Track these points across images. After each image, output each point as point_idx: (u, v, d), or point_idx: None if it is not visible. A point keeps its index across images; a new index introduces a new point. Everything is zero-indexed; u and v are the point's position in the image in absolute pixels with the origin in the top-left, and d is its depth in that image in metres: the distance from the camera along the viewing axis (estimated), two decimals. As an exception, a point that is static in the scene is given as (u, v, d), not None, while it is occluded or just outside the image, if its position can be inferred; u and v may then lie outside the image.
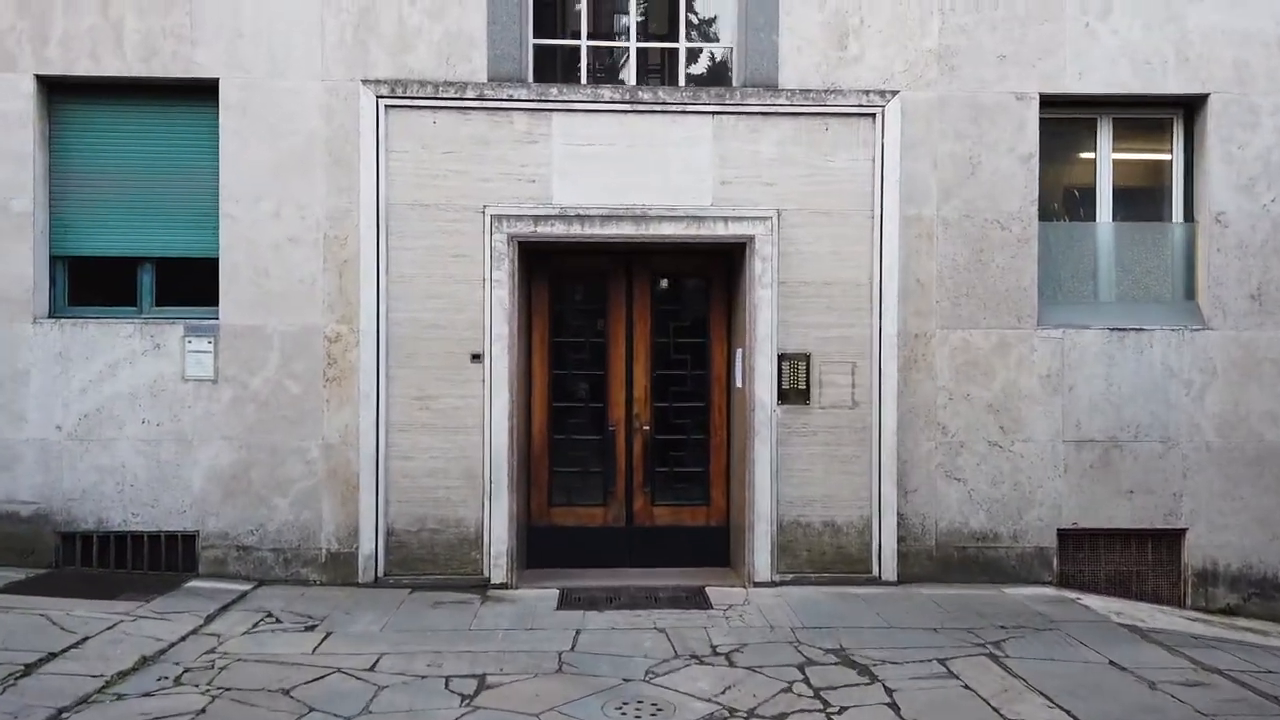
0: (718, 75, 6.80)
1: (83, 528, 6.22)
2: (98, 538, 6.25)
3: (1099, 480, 6.51)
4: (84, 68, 6.25)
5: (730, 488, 6.86)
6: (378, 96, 6.24)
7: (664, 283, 6.96)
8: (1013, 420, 6.52)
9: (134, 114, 6.43)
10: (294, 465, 6.32)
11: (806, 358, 6.39)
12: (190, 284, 6.48)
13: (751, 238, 6.32)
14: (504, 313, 6.21)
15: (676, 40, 6.78)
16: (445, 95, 6.26)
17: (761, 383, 6.32)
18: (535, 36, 6.68)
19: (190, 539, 6.28)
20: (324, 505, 6.32)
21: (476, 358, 6.29)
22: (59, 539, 6.23)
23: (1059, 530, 6.50)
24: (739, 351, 6.57)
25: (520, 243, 6.32)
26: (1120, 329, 6.52)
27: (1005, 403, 6.52)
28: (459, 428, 6.29)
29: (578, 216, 6.31)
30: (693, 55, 6.88)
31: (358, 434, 6.27)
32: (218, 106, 6.32)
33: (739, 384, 6.58)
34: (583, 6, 6.83)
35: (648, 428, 6.81)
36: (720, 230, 6.35)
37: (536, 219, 6.29)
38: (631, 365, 6.84)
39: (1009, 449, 6.51)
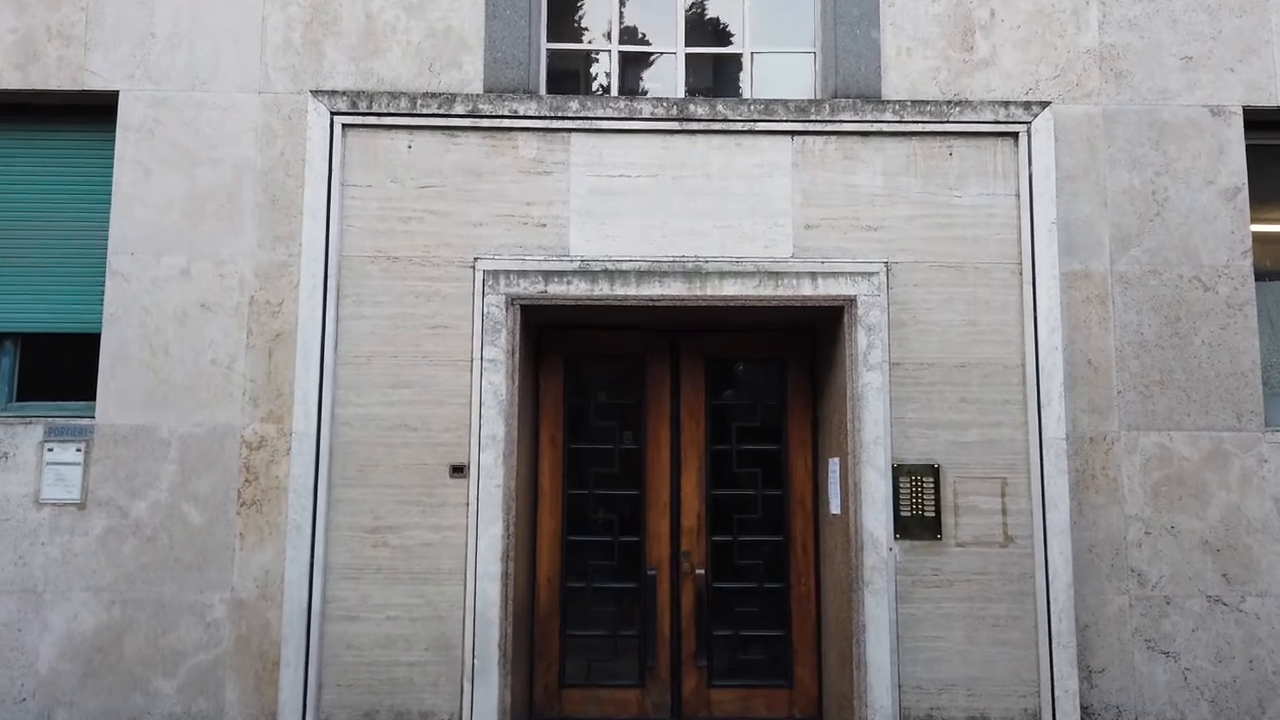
0: (794, 88, 5.23)
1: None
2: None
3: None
4: (-62, 76, 4.79)
5: (824, 661, 4.91)
6: (333, 113, 4.68)
7: (723, 368, 5.22)
8: (1240, 565, 4.59)
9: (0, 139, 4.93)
10: (188, 630, 4.46)
11: (934, 472, 4.56)
12: (67, 369, 4.81)
13: (851, 300, 4.60)
14: (500, 406, 4.48)
15: (736, 44, 5.27)
16: (426, 111, 4.69)
17: (870, 508, 4.47)
18: (549, 40, 5.20)
19: (32, 741, 4.40)
20: (228, 690, 4.43)
21: (459, 471, 4.51)
22: None
23: (1320, 732, 4.49)
24: (833, 464, 4.75)
25: (524, 307, 4.63)
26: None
27: (1227, 538, 4.61)
28: (431, 574, 4.46)
29: (605, 272, 4.63)
30: (758, 66, 5.34)
31: (282, 584, 4.43)
32: (115, 129, 4.81)
33: (835, 509, 4.74)
34: (612, 5, 5.35)
35: (702, 571, 4.93)
36: (805, 289, 4.64)
37: (547, 275, 4.61)
38: (679, 482, 5.03)
39: (1237, 607, 4.56)
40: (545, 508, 5.00)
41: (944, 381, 4.59)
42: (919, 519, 4.52)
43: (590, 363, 5.21)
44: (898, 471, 4.52)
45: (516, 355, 4.54)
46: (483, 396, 4.50)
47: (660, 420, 5.05)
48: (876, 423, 4.49)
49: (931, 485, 4.54)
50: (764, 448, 5.10)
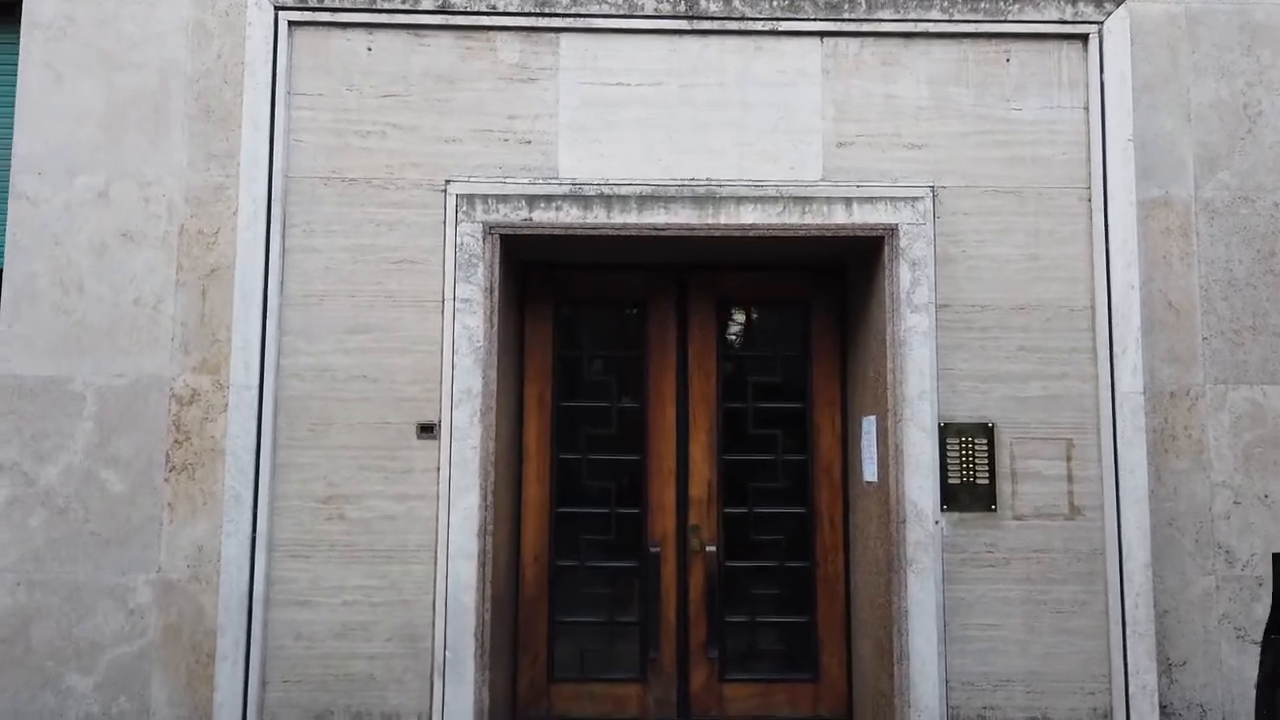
0: None
1: None
2: None
3: None
4: None
5: (855, 651, 4.29)
6: (278, 8, 3.96)
7: (738, 313, 4.58)
8: (1345, 540, 3.98)
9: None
10: (107, 617, 3.82)
11: (988, 432, 3.92)
12: (-31, 312, 4.13)
13: (891, 230, 3.93)
14: (476, 355, 3.83)
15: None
16: (388, 7, 3.98)
17: (914, 474, 3.83)
18: (535, -69, 4.50)
19: (-75, 747, 3.78)
20: (155, 687, 3.79)
21: (428, 430, 3.86)
22: None
23: None
24: (868, 423, 4.11)
25: (505, 238, 3.95)
26: None
27: (1329, 510, 4.00)
28: (395, 551, 3.82)
29: (601, 197, 3.96)
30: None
31: (218, 563, 3.78)
32: (20, 28, 4.10)
33: (869, 476, 4.10)
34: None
35: (713, 549, 4.30)
36: (838, 217, 3.97)
37: (532, 200, 3.94)
38: (686, 446, 4.39)
39: (1341, 590, 3.95)
40: (531, 475, 4.35)
41: (1000, 326, 3.94)
42: (970, 487, 3.88)
43: (583, 308, 4.53)
44: (945, 432, 3.87)
45: (496, 295, 3.87)
46: (455, 343, 3.83)
47: (665, 375, 4.39)
48: (922, 374, 3.84)
49: (985, 448, 3.90)
50: (785, 406, 4.45)
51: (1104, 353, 3.88)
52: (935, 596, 3.76)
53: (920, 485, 3.79)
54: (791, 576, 4.37)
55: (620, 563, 4.41)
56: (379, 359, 3.86)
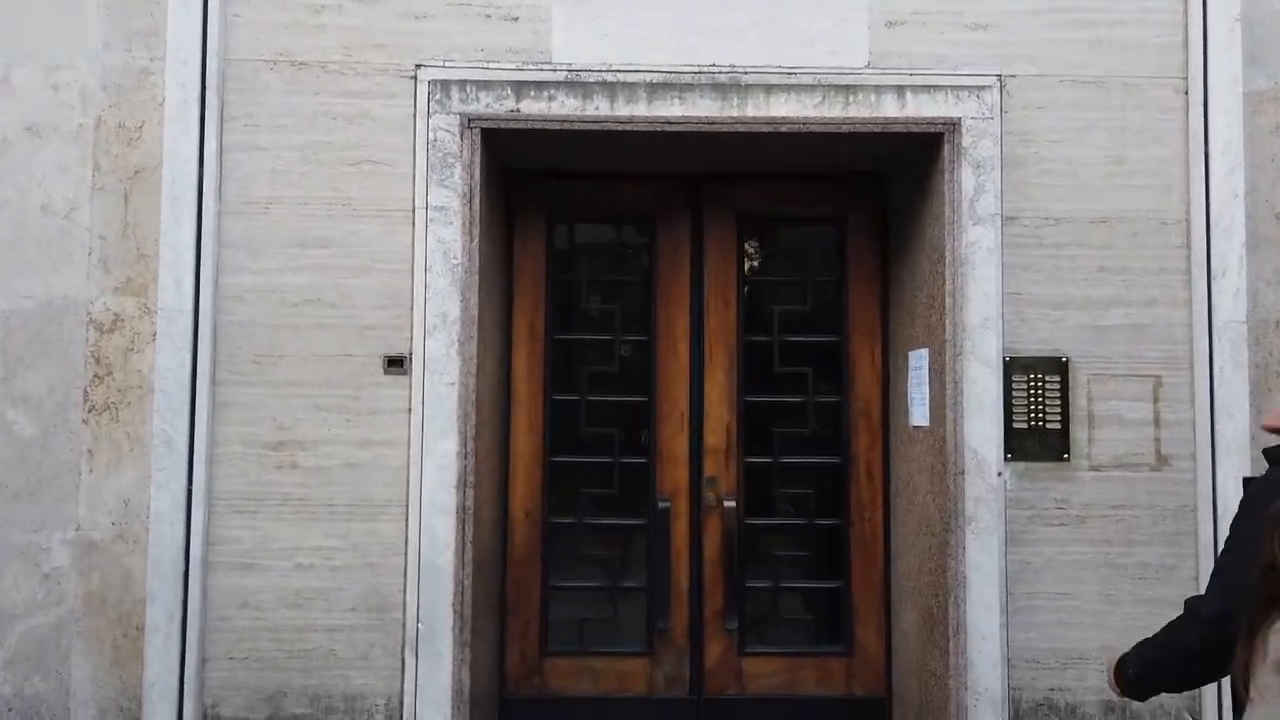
0: None
1: None
2: None
3: None
4: None
5: (895, 621, 3.75)
6: None
7: (762, 231, 3.95)
8: None
9: None
10: (17, 583, 3.22)
11: (1061, 367, 3.34)
12: None
13: (952, 125, 3.29)
14: (453, 274, 3.22)
15: None
16: None
17: (976, 416, 3.25)
18: None
19: None
20: (75, 665, 3.23)
21: (396, 364, 3.27)
22: None
23: None
24: (917, 358, 3.50)
25: (488, 133, 3.30)
26: None
27: None
28: (358, 506, 3.25)
29: (603, 85, 3.32)
30: None
31: (148, 519, 3.21)
32: (-98, -125, 3.43)
33: (917, 420, 3.52)
34: None
35: (731, 504, 3.72)
36: (888, 109, 3.33)
37: (520, 88, 3.30)
38: (701, 386, 3.78)
39: None
40: (520, 419, 3.77)
41: (1076, 243, 3.33)
42: (1038, 433, 3.31)
43: (582, 225, 3.91)
44: (1010, 368, 3.28)
45: (477, 203, 3.25)
46: (428, 260, 3.22)
47: (677, 302, 3.79)
48: (986, 298, 3.24)
49: (1057, 386, 3.31)
50: (817, 339, 3.85)
51: (1200, 274, 3.28)
52: (997, 560, 3.20)
53: (982, 430, 3.21)
54: (822, 536, 3.81)
55: (625, 520, 3.84)
56: (337, 279, 3.26)
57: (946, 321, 3.21)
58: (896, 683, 3.66)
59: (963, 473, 3.18)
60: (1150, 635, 2.10)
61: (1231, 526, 1.99)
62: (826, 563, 3.81)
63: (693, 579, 3.71)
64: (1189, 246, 3.31)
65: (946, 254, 3.22)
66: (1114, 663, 2.14)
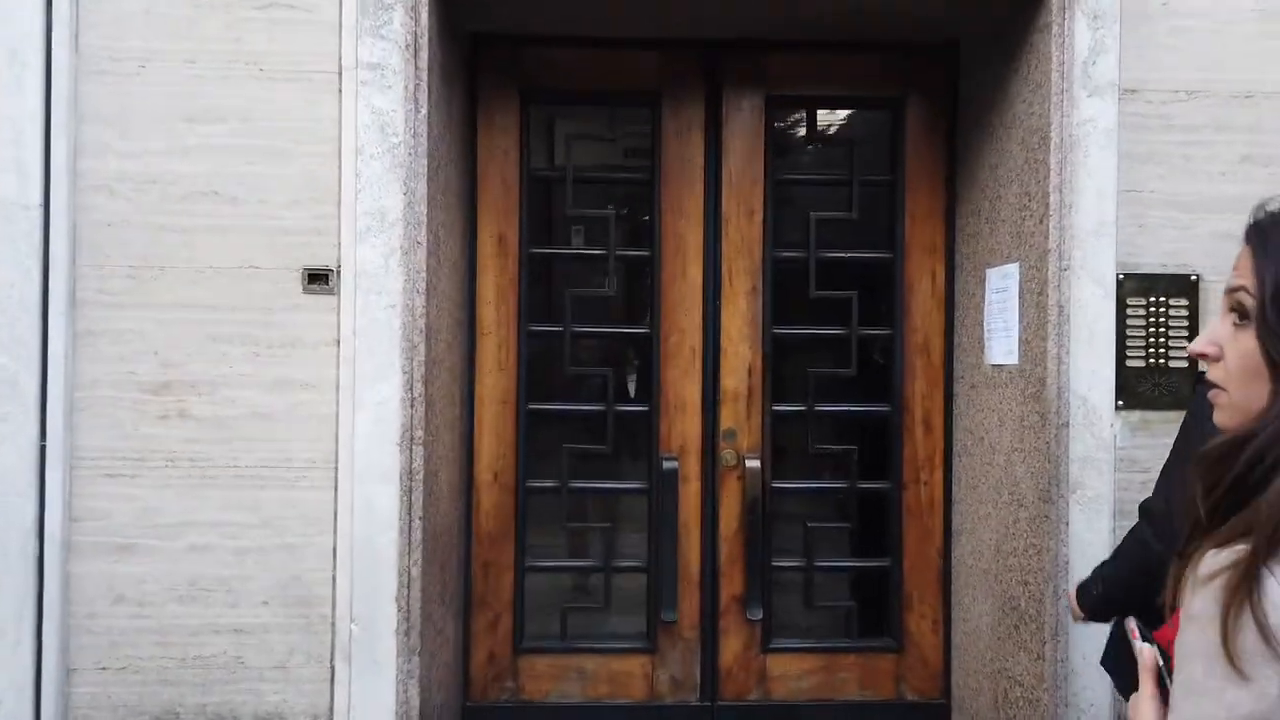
0: None
1: None
2: None
3: None
4: None
5: (955, 609, 3.06)
6: None
7: (797, 116, 3.16)
8: None
9: None
10: None
11: (1190, 289, 2.60)
12: None
13: (1059, -37, 2.54)
14: (394, 157, 2.39)
15: None
16: None
17: (1085, 352, 2.49)
18: None
19: None
20: (-104, 680, 2.51)
21: (320, 280, 2.49)
22: None
23: None
24: (999, 277, 2.70)
25: (439, -30, 2.52)
26: None
27: None
28: (272, 469, 2.50)
29: (594, -94, 2.52)
30: None
31: (-14, 486, 2.48)
32: None
33: (998, 357, 2.78)
34: None
35: (755, 463, 2.95)
36: (976, -57, 2.56)
37: (483, -91, 2.49)
38: (717, 315, 2.97)
39: None
40: (487, 355, 3.00)
41: (1214, 125, 2.57)
42: (1156, 373, 2.59)
43: (565, 106, 3.11)
44: (1122, 288, 2.56)
45: (425, 59, 2.44)
46: (361, 138, 2.42)
47: (688, 209, 3.01)
48: (1102, 195, 2.48)
49: (1184, 313, 2.58)
50: (863, 256, 3.08)
51: (1374, 166, 2.56)
52: (1107, 539, 2.51)
53: (1093, 370, 2.47)
54: (867, 504, 3.10)
55: (620, 484, 3.11)
56: (240, 165, 2.46)
57: (1049, 226, 2.45)
58: (958, 686, 2.97)
59: (1066, 425, 2.45)
60: None
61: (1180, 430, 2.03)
62: (872, 537, 3.10)
63: (705, 558, 2.98)
64: (1360, 131, 2.58)
65: (1052, 135, 2.44)
66: (1075, 590, 2.10)
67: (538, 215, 3.05)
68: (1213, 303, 2.58)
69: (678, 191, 2.98)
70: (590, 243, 3.05)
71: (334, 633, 2.45)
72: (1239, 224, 2.50)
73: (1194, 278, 2.58)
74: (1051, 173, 2.43)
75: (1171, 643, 0.98)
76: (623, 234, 3.01)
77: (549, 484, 3.00)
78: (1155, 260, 2.58)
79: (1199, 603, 0.88)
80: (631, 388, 3.18)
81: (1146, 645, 1.09)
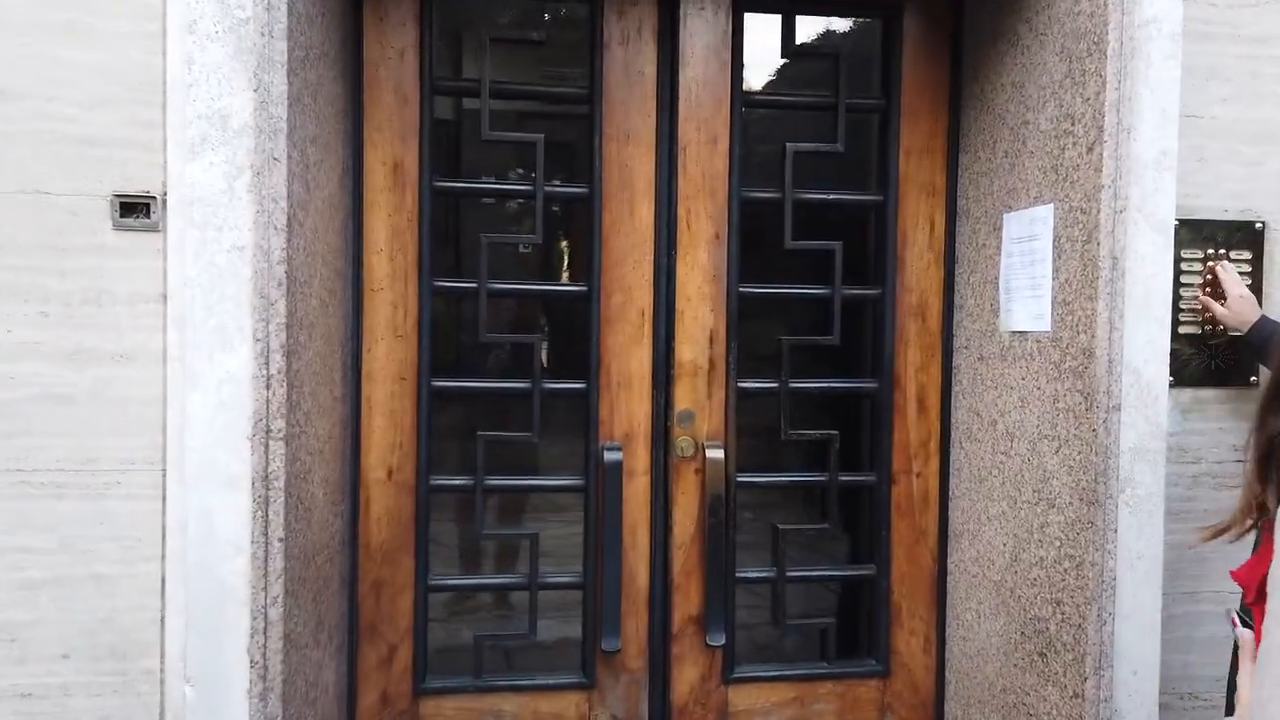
0: None
1: None
2: None
3: None
4: None
5: (951, 624, 2.59)
6: None
7: (770, 24, 2.49)
8: None
9: None
10: None
11: (1254, 238, 2.16)
12: None
13: None
14: (240, 37, 1.67)
15: None
16: None
17: (1141, 316, 2.02)
18: None
19: None
20: None
21: (135, 212, 1.84)
22: None
23: None
24: (1028, 221, 2.20)
25: None
26: None
27: None
28: (73, 471, 1.79)
29: None
30: None
31: None
32: None
33: (1021, 323, 2.28)
34: None
35: (718, 453, 2.39)
36: None
37: None
38: (672, 269, 2.37)
39: None
40: (379, 317, 2.36)
41: (1276, 37, 2.14)
42: (1210, 342, 2.15)
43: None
44: (1175, 236, 2.09)
45: (288, -85, 1.79)
46: (194, 9, 1.75)
47: (637, 133, 2.40)
48: (1165, 117, 2.00)
49: (1247, 266, 2.15)
50: (849, 198, 2.55)
51: None
52: (1158, 548, 2.05)
53: (1149, 338, 2.00)
54: (846, 501, 2.60)
55: (551, 479, 2.53)
56: (19, 45, 1.77)
57: (1103, 155, 1.94)
58: (956, 718, 2.52)
59: (1119, 407, 1.98)
60: None
61: None
62: (856, 540, 2.60)
63: (656, 570, 2.42)
64: None
65: (1109, 38, 1.92)
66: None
67: (445, 139, 2.41)
68: (1278, 253, 2.14)
69: (623, 112, 2.37)
70: (513, 176, 2.43)
71: (163, 695, 1.81)
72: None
73: (1259, 225, 2.13)
74: (1108, 87, 1.92)
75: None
76: (554, 165, 2.39)
77: (459, 481, 2.39)
78: (1216, 203, 2.11)
79: None
80: (544, 355, 2.58)
81: (1246, 630, 1.17)
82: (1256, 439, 1.20)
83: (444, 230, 2.41)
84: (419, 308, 2.33)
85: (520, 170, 2.64)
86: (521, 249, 2.73)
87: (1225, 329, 2.11)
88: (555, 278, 2.79)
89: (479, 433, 2.36)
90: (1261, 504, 1.29)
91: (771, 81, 2.58)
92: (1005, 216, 2.26)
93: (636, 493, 2.40)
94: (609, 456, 2.35)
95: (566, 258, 2.78)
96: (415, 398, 2.34)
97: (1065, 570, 2.05)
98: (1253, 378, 2.14)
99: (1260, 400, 1.24)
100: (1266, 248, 2.13)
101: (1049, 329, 2.11)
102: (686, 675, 2.44)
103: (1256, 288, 2.12)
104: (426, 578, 2.35)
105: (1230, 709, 2.13)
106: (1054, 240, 2.09)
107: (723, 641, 2.38)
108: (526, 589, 2.39)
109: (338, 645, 2.24)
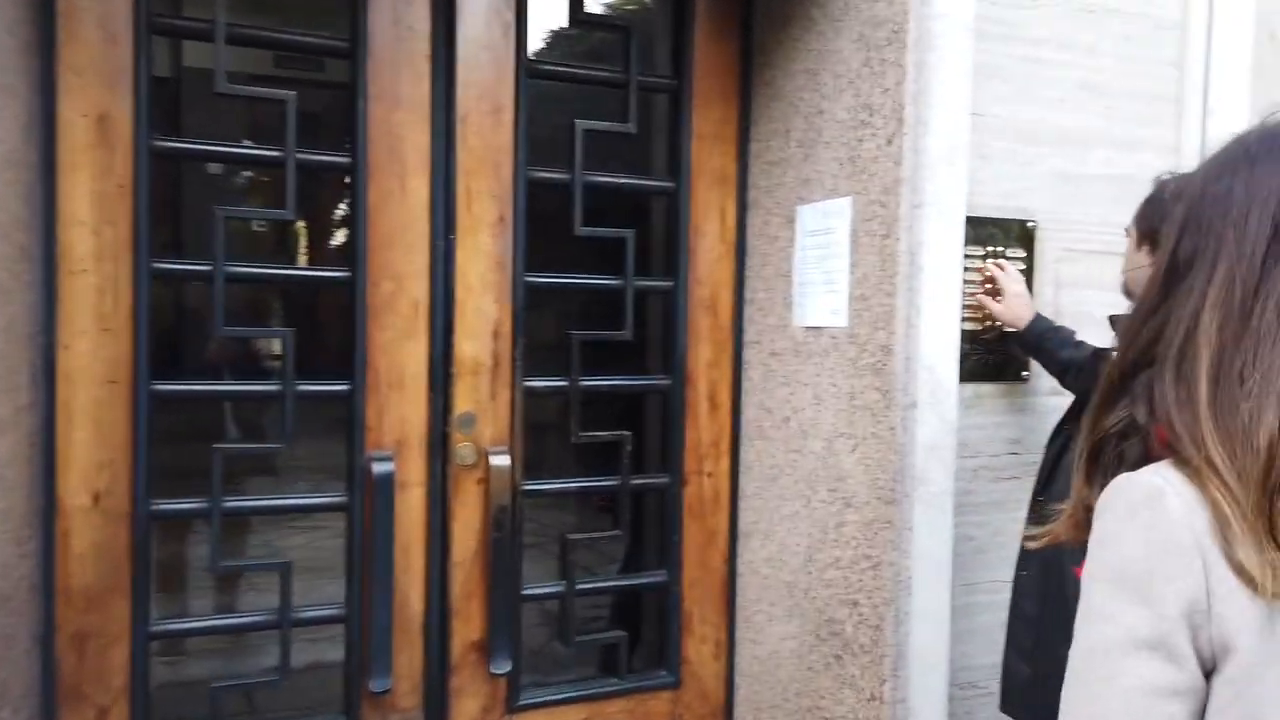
0: None
1: None
2: None
3: None
4: None
5: (741, 628, 2.50)
6: None
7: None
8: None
9: None
10: None
11: (1026, 237, 2.20)
12: None
13: None
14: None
15: None
16: None
17: (936, 313, 1.97)
18: None
19: None
20: None
21: None
22: None
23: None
24: (824, 213, 2.12)
25: None
26: None
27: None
28: None
29: None
30: None
31: None
32: None
33: (817, 318, 2.22)
34: None
35: (503, 460, 2.14)
36: None
37: None
38: (450, 255, 2.09)
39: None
40: (81, 306, 1.88)
41: (1055, 40, 2.20)
42: (987, 339, 2.20)
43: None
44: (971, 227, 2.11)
45: None
46: None
47: (408, 96, 2.07)
48: (957, 114, 1.99)
49: (1021, 265, 2.21)
50: (640, 183, 2.39)
51: (1194, 102, 2.32)
52: (949, 544, 2.06)
53: (941, 335, 1.99)
54: (639, 506, 2.45)
55: (307, 497, 2.18)
56: None
57: (903, 148, 1.90)
58: (738, 715, 2.45)
59: (915, 405, 1.96)
60: None
61: None
62: (645, 546, 2.46)
63: (433, 594, 2.14)
64: (1184, 57, 2.33)
65: (909, 27, 1.89)
66: None
67: (168, 90, 1.99)
68: (1048, 256, 2.23)
69: (392, 72, 2.07)
70: (256, 139, 2.05)
71: None
72: (1076, 162, 2.12)
73: (1030, 225, 2.21)
74: (908, 78, 1.89)
75: None
76: (309, 130, 2.04)
77: (190, 504, 1.99)
78: (994, 202, 2.16)
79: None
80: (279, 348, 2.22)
81: None
82: (1086, 442, 1.18)
83: (169, 201, 2.00)
84: (134, 295, 1.91)
85: (254, 140, 2.27)
86: (255, 227, 2.35)
87: (1001, 326, 2.18)
88: (293, 261, 2.43)
89: (215, 445, 1.98)
90: (1089, 506, 1.29)
91: (561, 53, 2.38)
92: (799, 209, 2.20)
93: (410, 508, 2.11)
94: (378, 468, 2.04)
95: (304, 239, 2.43)
96: (131, 405, 1.92)
97: (863, 570, 2.02)
98: (1024, 373, 2.22)
99: (1094, 402, 1.21)
100: (1037, 246, 2.22)
101: (846, 324, 2.07)
102: (466, 709, 2.19)
103: (1028, 286, 2.21)
104: (146, 623, 1.93)
105: (1005, 698, 2.22)
106: (851, 234, 2.04)
107: (508, 669, 2.16)
108: (277, 628, 2.05)
109: (28, 717, 1.79)
